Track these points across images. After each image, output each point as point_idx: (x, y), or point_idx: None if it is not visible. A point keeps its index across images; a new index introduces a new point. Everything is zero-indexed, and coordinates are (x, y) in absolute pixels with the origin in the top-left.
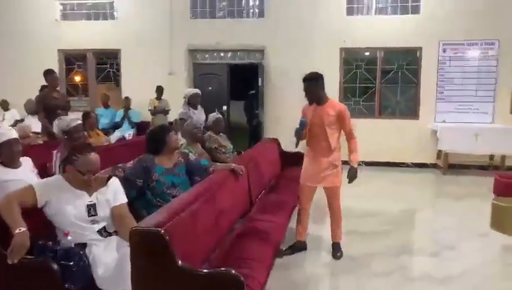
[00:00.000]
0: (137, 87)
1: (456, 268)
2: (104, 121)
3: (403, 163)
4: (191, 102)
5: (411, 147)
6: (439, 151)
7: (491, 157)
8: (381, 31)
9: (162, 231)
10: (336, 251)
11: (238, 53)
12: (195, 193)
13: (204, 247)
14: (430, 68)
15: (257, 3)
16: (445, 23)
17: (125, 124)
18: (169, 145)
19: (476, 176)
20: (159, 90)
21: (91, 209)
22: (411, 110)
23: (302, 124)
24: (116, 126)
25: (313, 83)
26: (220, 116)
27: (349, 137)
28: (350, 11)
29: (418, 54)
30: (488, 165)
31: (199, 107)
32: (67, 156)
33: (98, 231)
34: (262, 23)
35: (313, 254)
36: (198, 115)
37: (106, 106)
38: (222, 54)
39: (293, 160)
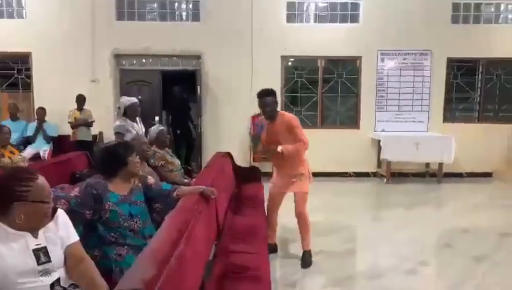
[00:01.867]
0: (53, 96)
1: (440, 285)
2: (12, 136)
3: (345, 173)
4: (129, 113)
5: (352, 157)
6: (381, 160)
7: (427, 165)
8: (322, 39)
9: None
10: (305, 259)
11: (173, 58)
12: (175, 229)
13: None
14: (369, 78)
15: (191, 6)
16: (383, 33)
17: (39, 139)
18: (130, 169)
19: (416, 184)
20: (80, 99)
21: (41, 254)
22: (352, 120)
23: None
24: (27, 141)
25: (273, 99)
26: (164, 128)
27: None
28: (290, 18)
29: (357, 64)
30: (425, 173)
31: (137, 119)
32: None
33: (50, 287)
34: (198, 27)
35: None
36: (138, 128)
37: (14, 118)
38: (151, 60)
39: (248, 176)
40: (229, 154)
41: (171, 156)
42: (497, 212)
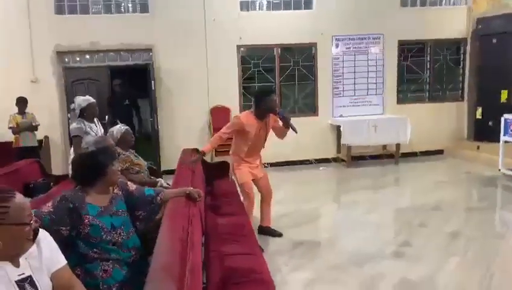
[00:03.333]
0: None
1: (428, 265)
2: None
3: (307, 160)
4: (86, 114)
5: (313, 144)
6: (341, 145)
7: (384, 147)
8: (276, 27)
9: None
10: (273, 231)
11: (121, 53)
12: (177, 238)
13: None
14: (325, 64)
15: None
16: (337, 19)
17: None
18: (110, 178)
19: (375, 166)
20: (21, 102)
21: (26, 286)
22: (310, 107)
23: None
24: None
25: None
26: (128, 128)
27: None
28: (243, 6)
29: (313, 50)
30: (382, 155)
31: (95, 120)
32: None
33: None
34: (147, 19)
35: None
36: (97, 130)
37: None
38: (97, 56)
39: (217, 172)
40: (196, 151)
41: (136, 156)
42: (457, 187)
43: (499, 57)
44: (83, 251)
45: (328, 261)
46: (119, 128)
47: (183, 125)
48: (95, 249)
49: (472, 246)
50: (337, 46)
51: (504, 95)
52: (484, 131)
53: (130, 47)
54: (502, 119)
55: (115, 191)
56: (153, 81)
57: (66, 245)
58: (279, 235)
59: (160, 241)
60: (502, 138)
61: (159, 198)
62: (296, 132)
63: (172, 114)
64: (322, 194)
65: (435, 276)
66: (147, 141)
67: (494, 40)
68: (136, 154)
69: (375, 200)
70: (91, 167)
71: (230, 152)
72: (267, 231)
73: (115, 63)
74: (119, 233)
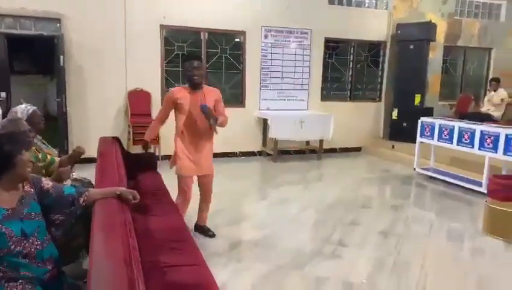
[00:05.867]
0: None
1: (366, 266)
2: None
3: (232, 153)
4: None
5: (239, 136)
6: (268, 139)
7: (307, 142)
8: (205, 10)
9: None
10: (208, 230)
11: (20, 21)
12: (119, 257)
13: None
14: (254, 54)
15: None
16: (267, 9)
17: None
18: (19, 171)
19: (300, 161)
20: None
21: None
22: (237, 98)
23: (205, 109)
24: None
25: (203, 64)
26: (36, 108)
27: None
28: None
29: (241, 39)
30: (305, 149)
31: None
32: None
33: None
34: None
35: None
36: None
37: None
38: None
39: (141, 164)
40: (117, 139)
41: (45, 144)
42: (379, 185)
43: (415, 62)
44: None
45: (268, 263)
46: (25, 108)
47: (97, 108)
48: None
49: (403, 245)
50: (266, 36)
51: (417, 99)
52: (399, 131)
53: (33, 14)
54: (419, 121)
55: (26, 188)
56: (61, 56)
57: None
58: (212, 235)
59: (95, 261)
60: (418, 139)
61: (81, 199)
62: (216, 133)
63: (83, 95)
64: (252, 190)
65: (375, 277)
66: (52, 125)
67: (411, 46)
68: (43, 140)
69: (305, 197)
70: None
71: (174, 136)
72: (201, 229)
73: (13, 31)
74: (32, 242)
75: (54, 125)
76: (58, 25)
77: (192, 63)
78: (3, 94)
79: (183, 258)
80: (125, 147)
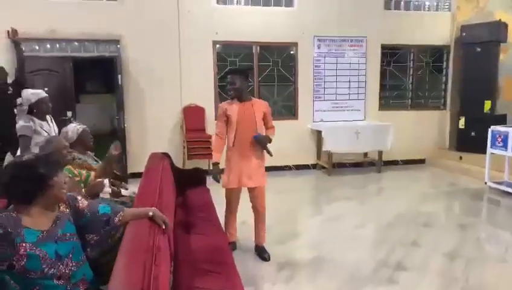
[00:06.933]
0: None
1: None
2: None
3: (286, 166)
4: (37, 110)
5: (292, 149)
6: (323, 151)
7: (365, 154)
8: (255, 23)
9: None
10: (263, 252)
11: (86, 44)
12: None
13: None
14: (306, 65)
15: None
16: (319, 18)
17: None
18: (54, 193)
19: (357, 174)
20: None
21: None
22: (290, 110)
23: (258, 138)
24: None
25: (242, 76)
26: (86, 127)
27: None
28: None
29: (293, 50)
30: (363, 162)
31: (48, 117)
32: None
33: None
34: (115, 7)
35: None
36: (50, 129)
37: None
38: (58, 46)
39: (191, 179)
40: (167, 156)
41: (96, 161)
42: (444, 201)
43: (483, 66)
44: None
45: (318, 287)
46: (75, 128)
47: (153, 125)
48: (31, 288)
49: (473, 270)
50: (318, 46)
51: (487, 105)
52: (467, 141)
53: (95, 37)
54: (489, 130)
55: (61, 208)
56: (119, 75)
57: None
58: (266, 259)
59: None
60: (489, 150)
61: (117, 219)
62: (271, 156)
63: (141, 112)
64: (305, 205)
65: None
66: (111, 141)
67: (478, 49)
68: (95, 157)
69: (361, 213)
70: (30, 180)
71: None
72: (257, 250)
73: (78, 54)
74: (67, 264)
75: (113, 141)
76: (118, 46)
77: (227, 78)
78: (69, 113)
79: (218, 283)
80: (182, 162)
